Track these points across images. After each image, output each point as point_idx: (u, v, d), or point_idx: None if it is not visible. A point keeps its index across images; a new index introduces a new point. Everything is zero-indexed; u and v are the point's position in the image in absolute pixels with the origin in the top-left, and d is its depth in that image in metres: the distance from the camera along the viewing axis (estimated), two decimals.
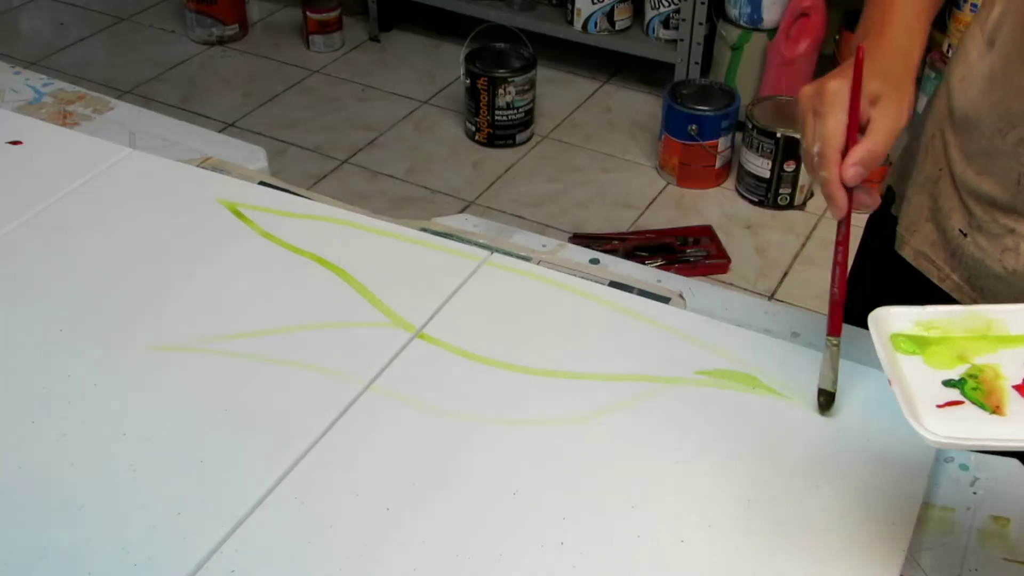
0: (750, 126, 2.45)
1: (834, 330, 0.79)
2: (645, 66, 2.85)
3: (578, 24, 2.82)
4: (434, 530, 0.72)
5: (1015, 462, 0.79)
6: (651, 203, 2.52)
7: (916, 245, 0.95)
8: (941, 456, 0.79)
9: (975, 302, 0.89)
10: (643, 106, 2.84)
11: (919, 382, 0.64)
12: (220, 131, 2.36)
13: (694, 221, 2.46)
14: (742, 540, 0.71)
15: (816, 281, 2.25)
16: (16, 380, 0.82)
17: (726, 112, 2.51)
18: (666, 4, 2.73)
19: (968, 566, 0.72)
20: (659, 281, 0.95)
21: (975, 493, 0.77)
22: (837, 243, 0.78)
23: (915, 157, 0.97)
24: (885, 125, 0.77)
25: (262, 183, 1.05)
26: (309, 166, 2.61)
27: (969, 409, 0.63)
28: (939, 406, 0.63)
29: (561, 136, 2.74)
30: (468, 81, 2.66)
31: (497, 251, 0.96)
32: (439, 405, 0.81)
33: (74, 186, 1.02)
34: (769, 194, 2.46)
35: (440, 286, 0.91)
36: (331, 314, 0.89)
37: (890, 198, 1.00)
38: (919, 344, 0.67)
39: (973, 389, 0.64)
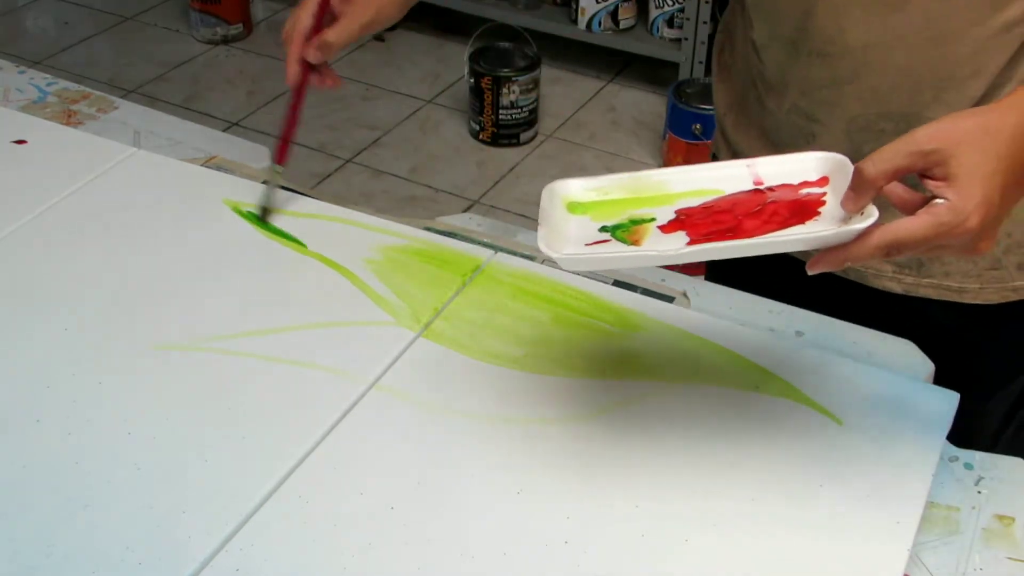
0: None
1: (280, 160, 0.99)
2: (649, 65, 2.85)
3: (582, 23, 2.82)
4: (438, 529, 0.72)
5: (1020, 461, 0.79)
6: None
7: None
8: (946, 455, 0.79)
9: None
10: (647, 105, 2.83)
11: (579, 231, 0.71)
12: (224, 130, 2.36)
13: None
14: (746, 539, 0.71)
15: None
16: (20, 379, 0.82)
17: None
18: (670, 3, 2.73)
19: (973, 565, 0.72)
20: (663, 280, 0.95)
21: (980, 492, 0.77)
22: (289, 106, 0.98)
23: None
24: (343, 23, 0.94)
25: (266, 182, 1.05)
26: (313, 165, 2.61)
27: (611, 244, 0.70)
28: (587, 244, 0.69)
29: (565, 135, 2.74)
30: (472, 80, 2.66)
31: (501, 250, 0.96)
32: (443, 404, 0.81)
33: (78, 185, 1.03)
34: None
35: (444, 285, 0.91)
36: (335, 313, 0.89)
37: None
38: (590, 207, 0.73)
39: (622, 232, 0.70)
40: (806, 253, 0.67)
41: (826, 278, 0.93)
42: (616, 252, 0.69)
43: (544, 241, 0.68)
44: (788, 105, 0.89)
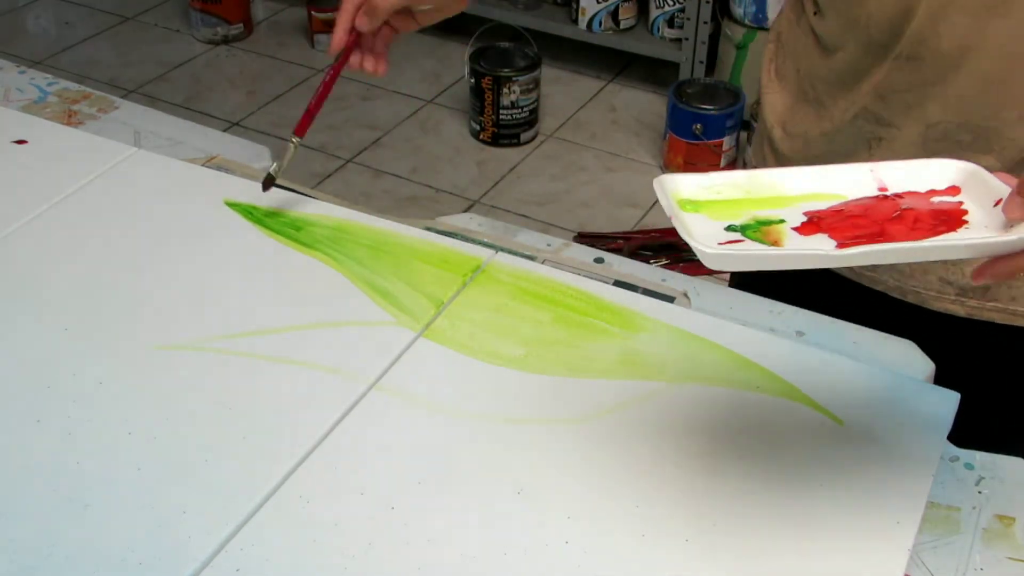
0: (755, 125, 2.45)
1: (299, 131, 0.97)
2: (650, 65, 2.85)
3: (583, 23, 2.82)
4: (439, 529, 0.72)
5: (1021, 461, 0.79)
6: (656, 202, 2.52)
7: None
8: (946, 455, 0.79)
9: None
10: (648, 105, 2.84)
11: (702, 228, 0.67)
12: (225, 130, 2.36)
13: None
14: (746, 539, 0.71)
15: None
16: (21, 379, 0.82)
17: (731, 111, 2.51)
18: (670, 3, 2.73)
19: (973, 565, 0.72)
20: (664, 280, 0.95)
21: (980, 492, 0.77)
22: (329, 69, 0.97)
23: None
24: None
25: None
26: (313, 165, 2.61)
27: (749, 244, 0.66)
28: (720, 244, 0.66)
29: (566, 135, 2.74)
30: (473, 80, 2.66)
31: (501, 250, 0.96)
32: (444, 404, 0.81)
33: (79, 185, 1.03)
34: None
35: (444, 285, 0.91)
36: (335, 313, 0.89)
37: None
38: (704, 206, 0.70)
39: (752, 232, 0.67)
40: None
41: (827, 278, 0.93)
42: (774, 251, 0.65)
43: (685, 232, 0.64)
44: (856, 109, 0.87)
